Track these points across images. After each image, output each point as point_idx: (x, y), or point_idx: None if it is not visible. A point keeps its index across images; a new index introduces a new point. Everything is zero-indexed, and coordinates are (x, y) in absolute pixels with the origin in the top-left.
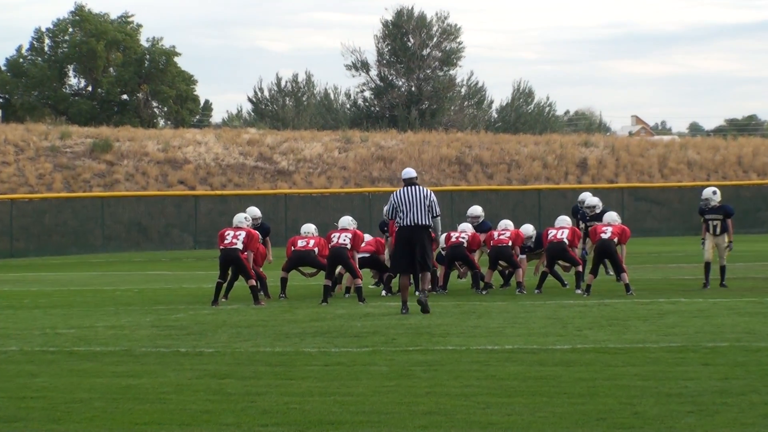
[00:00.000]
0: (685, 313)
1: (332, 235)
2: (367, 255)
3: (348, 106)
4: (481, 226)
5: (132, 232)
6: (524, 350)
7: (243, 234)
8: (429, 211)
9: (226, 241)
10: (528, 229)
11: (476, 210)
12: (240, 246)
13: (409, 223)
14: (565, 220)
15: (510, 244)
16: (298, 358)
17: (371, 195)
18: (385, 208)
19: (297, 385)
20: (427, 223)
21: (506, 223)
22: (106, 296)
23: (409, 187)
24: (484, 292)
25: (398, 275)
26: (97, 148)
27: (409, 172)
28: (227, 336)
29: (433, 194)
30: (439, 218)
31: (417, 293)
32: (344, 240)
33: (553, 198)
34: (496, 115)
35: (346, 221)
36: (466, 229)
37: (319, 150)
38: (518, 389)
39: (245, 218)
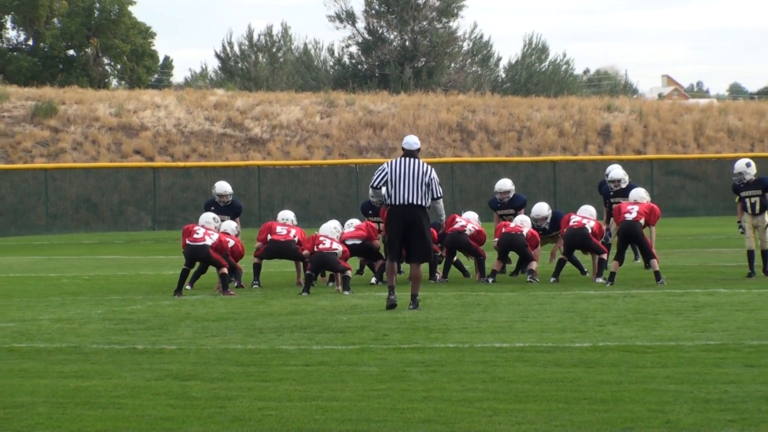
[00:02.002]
0: (725, 306)
1: (321, 238)
2: (358, 242)
3: (331, 63)
4: (514, 202)
5: (80, 210)
6: (537, 349)
7: (215, 237)
8: (428, 190)
9: (195, 236)
10: (542, 209)
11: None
12: (210, 243)
13: (401, 202)
14: (589, 211)
15: (523, 232)
16: (274, 357)
17: (358, 167)
18: (374, 177)
19: (273, 389)
20: (424, 203)
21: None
22: (50, 284)
23: (406, 159)
24: (491, 280)
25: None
26: (40, 112)
27: (412, 141)
28: (192, 331)
29: (434, 172)
30: (440, 201)
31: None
32: (336, 248)
33: (571, 171)
34: (503, 75)
35: (329, 229)
36: (471, 219)
37: (298, 115)
38: (530, 394)
39: (213, 219)
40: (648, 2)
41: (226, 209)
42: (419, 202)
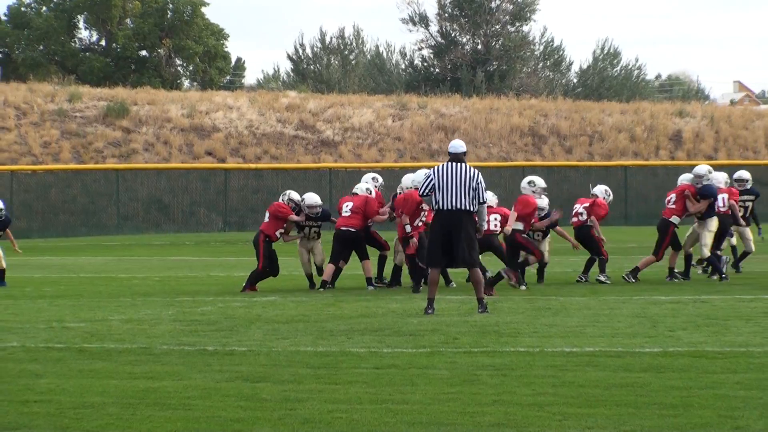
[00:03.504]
0: None
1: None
2: (351, 230)
3: (403, 66)
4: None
5: (151, 210)
6: (607, 353)
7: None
8: (475, 195)
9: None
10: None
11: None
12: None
13: (449, 207)
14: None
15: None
16: (345, 360)
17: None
18: (421, 185)
19: (343, 391)
20: (471, 208)
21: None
22: (121, 285)
23: (453, 164)
24: (523, 287)
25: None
26: (112, 113)
27: (458, 145)
28: (262, 333)
29: (481, 176)
30: (485, 206)
31: (478, 309)
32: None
33: (642, 176)
34: (575, 80)
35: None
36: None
37: (370, 117)
38: (600, 398)
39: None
40: (720, 7)
41: (316, 221)
42: (467, 207)
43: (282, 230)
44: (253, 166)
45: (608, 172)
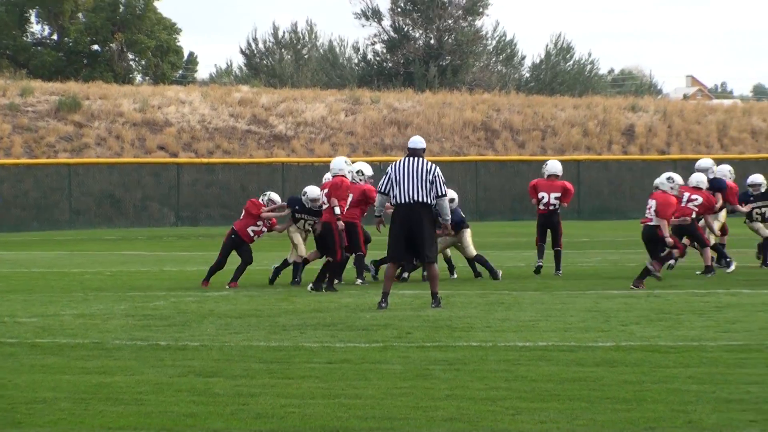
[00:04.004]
0: (748, 306)
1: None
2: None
3: (356, 61)
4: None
5: (103, 205)
6: (560, 348)
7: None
8: (432, 189)
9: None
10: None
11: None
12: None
13: (406, 201)
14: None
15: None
16: (297, 354)
17: (382, 165)
18: (381, 182)
19: (296, 386)
20: (428, 201)
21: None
22: (73, 280)
23: (410, 158)
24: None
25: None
26: (64, 107)
27: (417, 141)
28: (215, 328)
29: (439, 171)
30: (445, 199)
31: (432, 304)
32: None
33: (595, 170)
34: (528, 74)
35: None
36: None
37: (323, 112)
38: (553, 393)
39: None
40: (673, 2)
41: (316, 213)
42: (423, 200)
43: (255, 227)
44: (205, 160)
45: (561, 166)
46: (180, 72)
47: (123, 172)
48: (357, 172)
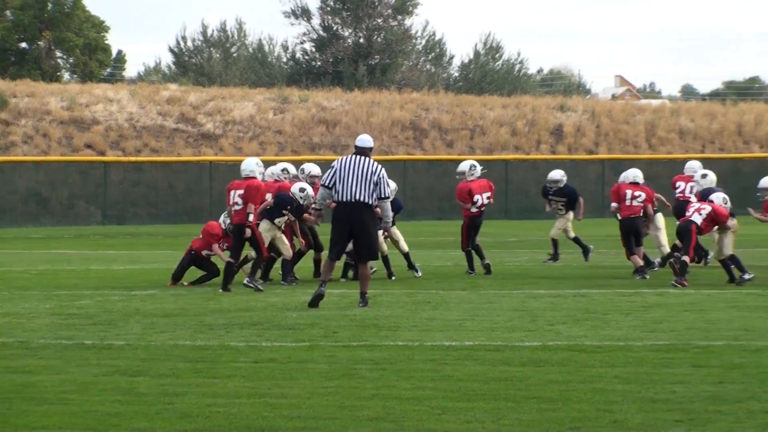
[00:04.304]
0: (674, 306)
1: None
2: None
3: (285, 59)
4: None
5: (30, 203)
6: (486, 347)
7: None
8: (375, 189)
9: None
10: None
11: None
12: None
13: (347, 199)
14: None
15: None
16: (223, 354)
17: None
18: (326, 174)
19: (221, 385)
20: (370, 201)
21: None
22: None
23: (356, 157)
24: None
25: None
26: None
27: (365, 139)
28: (140, 327)
29: (384, 172)
30: (387, 201)
31: (359, 303)
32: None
33: (523, 170)
34: (457, 74)
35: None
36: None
37: (251, 111)
38: (479, 392)
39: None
40: (602, 2)
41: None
42: (365, 200)
43: (210, 252)
44: (132, 159)
45: (489, 166)
46: (108, 70)
47: (50, 170)
48: (282, 170)
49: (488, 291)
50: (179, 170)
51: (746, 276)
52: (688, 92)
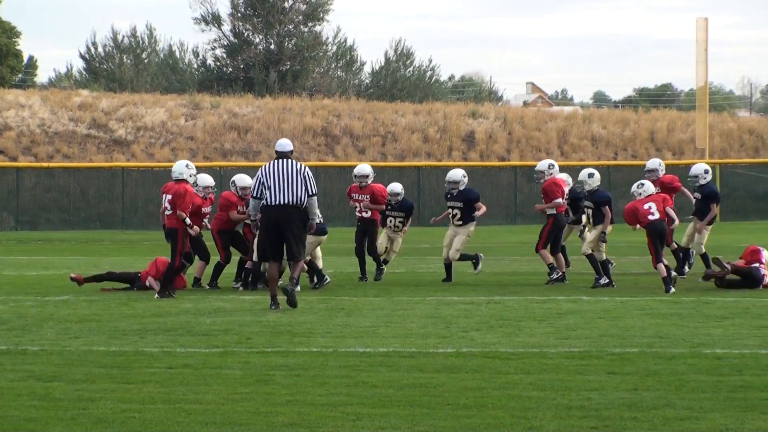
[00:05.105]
0: (588, 313)
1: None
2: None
3: (196, 66)
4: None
5: None
6: (401, 354)
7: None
8: (303, 188)
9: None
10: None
11: (396, 187)
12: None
13: (278, 202)
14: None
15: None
16: (138, 359)
17: (222, 170)
18: (253, 186)
19: (136, 390)
20: (300, 202)
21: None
22: None
23: (279, 161)
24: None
25: (264, 264)
26: None
27: (285, 144)
28: (55, 332)
29: (308, 170)
30: (314, 198)
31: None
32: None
33: (435, 177)
34: (368, 80)
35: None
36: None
37: (163, 117)
38: (393, 399)
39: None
40: (513, 9)
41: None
42: (295, 202)
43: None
44: (45, 164)
45: (401, 172)
46: (20, 76)
47: None
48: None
49: (401, 297)
50: (91, 176)
51: (602, 281)
52: (600, 99)
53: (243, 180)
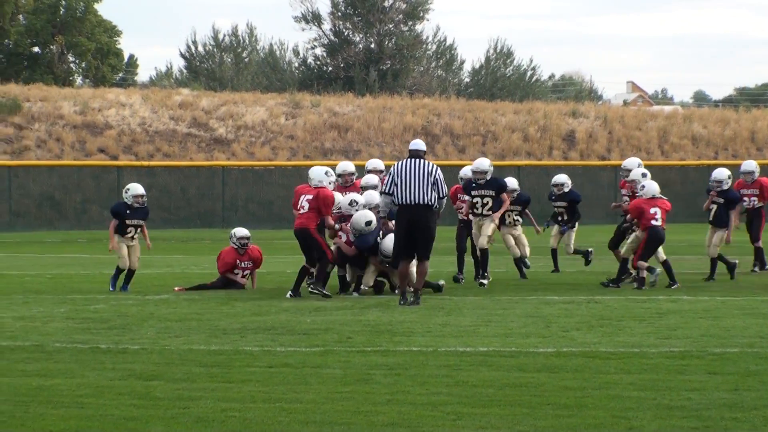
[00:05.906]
0: (688, 313)
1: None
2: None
3: (297, 64)
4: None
5: (43, 207)
6: (501, 353)
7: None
8: (434, 189)
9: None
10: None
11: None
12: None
13: (408, 202)
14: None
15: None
16: (238, 358)
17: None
18: (385, 183)
19: (236, 390)
20: (431, 202)
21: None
22: (13, 282)
23: (412, 160)
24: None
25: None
26: (4, 109)
27: (418, 143)
28: (155, 331)
29: (440, 171)
30: (444, 200)
31: (402, 300)
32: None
33: (536, 176)
34: (468, 79)
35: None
36: None
37: (263, 116)
38: (494, 398)
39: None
40: (614, 8)
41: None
42: (424, 201)
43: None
44: (145, 163)
45: (502, 171)
46: (120, 75)
47: (63, 174)
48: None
49: (502, 297)
50: (191, 175)
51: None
52: (700, 98)
53: (343, 167)
